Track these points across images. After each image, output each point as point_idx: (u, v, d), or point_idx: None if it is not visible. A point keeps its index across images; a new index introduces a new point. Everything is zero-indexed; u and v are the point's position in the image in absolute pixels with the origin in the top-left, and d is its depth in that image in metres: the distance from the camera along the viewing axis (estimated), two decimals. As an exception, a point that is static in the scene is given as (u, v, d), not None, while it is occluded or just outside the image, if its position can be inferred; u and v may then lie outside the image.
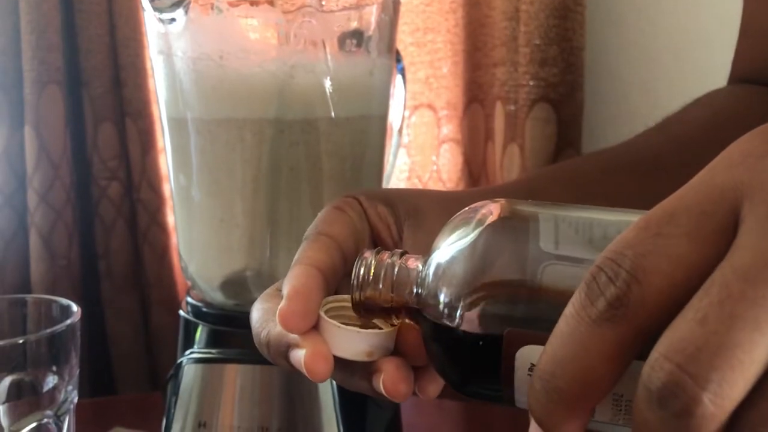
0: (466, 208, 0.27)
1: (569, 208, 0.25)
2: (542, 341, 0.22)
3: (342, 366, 0.29)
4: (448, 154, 0.90)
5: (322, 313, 0.29)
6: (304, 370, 0.29)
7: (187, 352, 0.48)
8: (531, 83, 0.75)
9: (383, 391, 0.29)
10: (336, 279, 0.32)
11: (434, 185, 0.91)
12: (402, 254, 0.29)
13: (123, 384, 0.91)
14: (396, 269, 0.28)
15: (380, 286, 0.28)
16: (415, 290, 0.27)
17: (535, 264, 0.23)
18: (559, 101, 0.75)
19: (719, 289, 0.19)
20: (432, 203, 0.35)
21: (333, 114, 0.46)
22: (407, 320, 0.29)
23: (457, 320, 0.24)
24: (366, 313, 0.29)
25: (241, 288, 0.48)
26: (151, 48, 0.48)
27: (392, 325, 0.29)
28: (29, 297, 0.51)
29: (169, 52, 0.46)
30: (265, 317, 0.32)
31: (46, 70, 0.82)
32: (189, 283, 0.51)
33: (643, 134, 0.47)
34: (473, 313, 0.24)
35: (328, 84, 0.46)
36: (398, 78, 0.56)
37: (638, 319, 0.20)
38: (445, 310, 0.25)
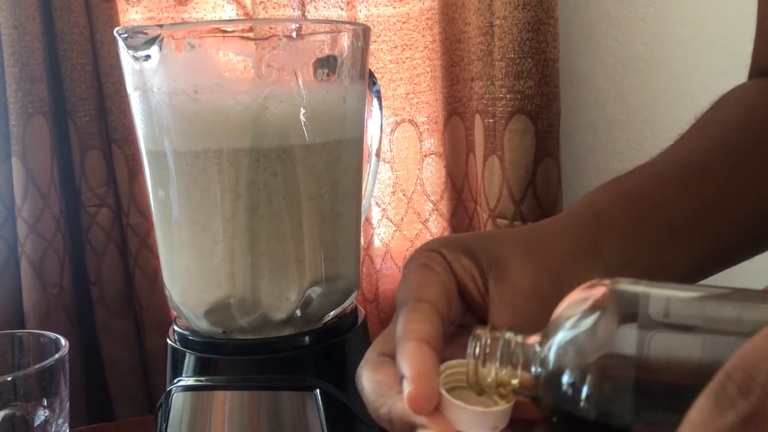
0: (578, 291, 0.27)
1: (678, 288, 0.26)
2: None
3: None
4: (431, 168, 0.92)
5: (444, 392, 0.30)
6: None
7: (176, 380, 0.49)
8: (508, 96, 0.76)
9: None
10: (441, 348, 0.32)
11: (419, 198, 0.92)
12: (514, 332, 0.29)
13: (121, 408, 0.91)
14: (512, 348, 0.29)
15: (497, 365, 0.29)
16: (534, 369, 0.28)
17: (645, 334, 0.24)
18: (536, 112, 0.76)
19: None
20: (511, 250, 0.36)
21: (308, 141, 0.47)
22: (519, 394, 0.29)
23: (580, 403, 0.25)
24: (482, 390, 0.30)
25: (226, 315, 0.49)
26: (127, 84, 0.49)
27: (511, 394, 0.30)
28: (18, 332, 0.52)
29: (145, 87, 0.47)
30: (380, 391, 0.32)
31: (31, 102, 0.83)
32: (174, 312, 0.52)
33: (684, 139, 0.46)
34: (594, 396, 0.25)
35: (301, 113, 0.47)
36: (375, 101, 0.57)
37: None
38: (568, 392, 0.26)
